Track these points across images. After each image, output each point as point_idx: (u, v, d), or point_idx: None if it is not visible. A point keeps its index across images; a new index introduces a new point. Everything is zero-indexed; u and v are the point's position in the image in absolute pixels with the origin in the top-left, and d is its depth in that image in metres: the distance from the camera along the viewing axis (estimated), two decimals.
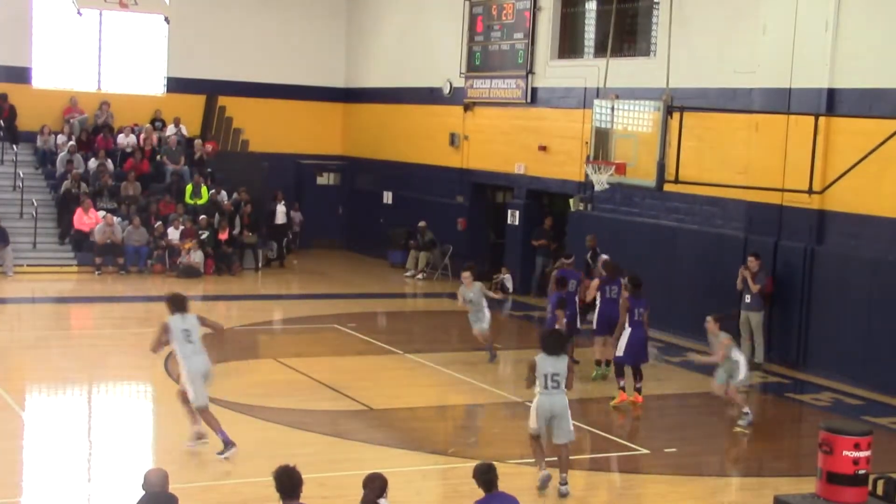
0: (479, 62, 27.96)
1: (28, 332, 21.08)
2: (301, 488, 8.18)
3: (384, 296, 26.17)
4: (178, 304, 13.16)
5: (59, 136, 29.52)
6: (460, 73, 28.41)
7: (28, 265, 25.97)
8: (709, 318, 15.29)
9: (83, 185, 27.86)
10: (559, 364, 12.05)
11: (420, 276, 28.55)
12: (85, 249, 26.68)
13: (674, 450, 14.18)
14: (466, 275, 18.55)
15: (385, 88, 31.97)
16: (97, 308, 23.64)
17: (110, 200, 27.92)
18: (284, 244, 29.84)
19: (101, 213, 27.04)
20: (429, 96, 29.76)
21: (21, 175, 27.97)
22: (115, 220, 26.88)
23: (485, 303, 18.52)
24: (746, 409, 15.17)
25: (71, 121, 29.99)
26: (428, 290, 27.35)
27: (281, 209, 29.97)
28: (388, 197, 31.43)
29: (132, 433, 14.64)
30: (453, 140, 28.72)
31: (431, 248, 28.76)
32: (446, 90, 29.03)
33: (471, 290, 18.51)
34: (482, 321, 18.52)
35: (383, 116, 32.00)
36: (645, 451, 14.17)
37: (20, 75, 29.98)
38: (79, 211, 26.79)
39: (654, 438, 14.81)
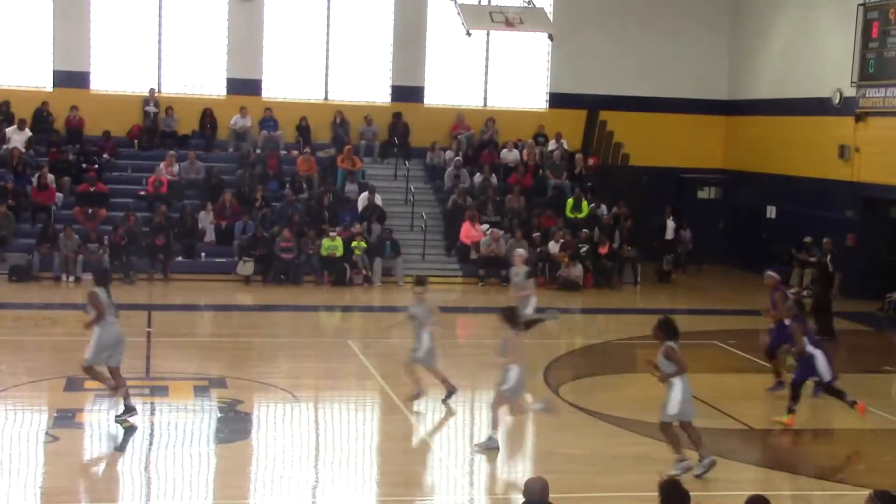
0: (873, 70, 26.56)
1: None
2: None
3: None
4: None
5: (447, 152, 30.76)
6: (851, 81, 27.11)
7: (417, 276, 27.14)
8: None
9: (469, 198, 28.86)
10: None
11: (805, 293, 27.44)
12: (469, 261, 27.61)
13: None
14: (418, 289, 15.91)
15: (770, 100, 31.04)
16: (481, 318, 24.37)
17: (494, 214, 28.77)
18: (672, 260, 29.49)
19: (485, 226, 27.90)
20: (817, 107, 28.59)
21: (412, 189, 29.39)
22: (500, 233, 27.65)
23: (427, 328, 15.45)
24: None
25: (458, 137, 31.19)
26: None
27: (671, 224, 29.65)
28: (771, 211, 30.48)
29: (511, 440, 14.94)
30: (843, 152, 27.44)
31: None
32: (836, 100, 27.80)
33: (419, 305, 15.52)
34: (417, 350, 15.48)
35: (767, 128, 31.08)
36: None
37: (414, 94, 31.55)
38: (465, 224, 27.76)
39: None
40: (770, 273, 17.72)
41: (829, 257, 21.67)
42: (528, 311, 18.21)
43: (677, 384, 12.62)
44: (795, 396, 15.08)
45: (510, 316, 13.61)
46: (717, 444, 14.33)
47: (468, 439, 14.95)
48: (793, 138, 29.76)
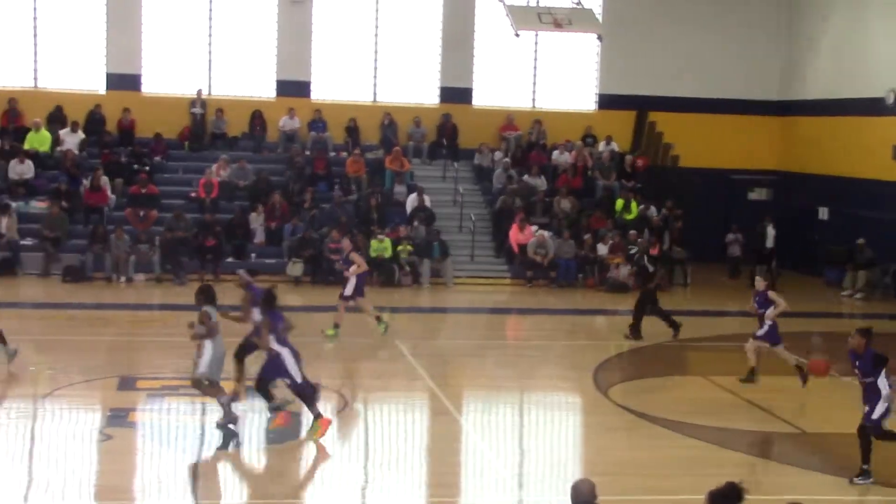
0: None
1: (466, 340, 22.05)
2: None
3: (819, 315, 25.07)
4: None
5: (496, 153, 30.75)
6: None
7: (466, 276, 27.21)
8: None
9: (518, 200, 28.81)
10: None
11: (858, 295, 27.16)
12: (518, 263, 27.56)
13: None
14: None
15: (822, 100, 30.75)
16: (529, 319, 24.35)
17: (543, 215, 28.71)
18: (773, 268, 28.17)
19: (535, 227, 27.85)
20: (870, 107, 28.30)
21: (460, 190, 29.40)
22: (547, 234, 27.59)
23: None
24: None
25: (507, 138, 31.17)
26: (867, 310, 25.95)
27: (771, 232, 28.94)
28: (823, 213, 30.19)
29: (560, 442, 14.92)
30: None
31: (871, 267, 27.28)
32: (889, 100, 27.51)
33: None
34: None
35: (819, 129, 30.79)
36: None
37: (463, 96, 31.57)
38: (514, 226, 27.71)
39: None
40: (240, 272, 16.29)
41: (644, 257, 21.49)
42: None
43: (208, 346, 13.72)
44: (267, 397, 14.15)
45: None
46: (768, 446, 14.23)
47: (518, 441, 14.94)
48: (845, 139, 29.46)
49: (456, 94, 31.55)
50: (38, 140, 28.72)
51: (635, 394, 16.98)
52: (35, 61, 30.13)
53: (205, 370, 13.82)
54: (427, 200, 28.47)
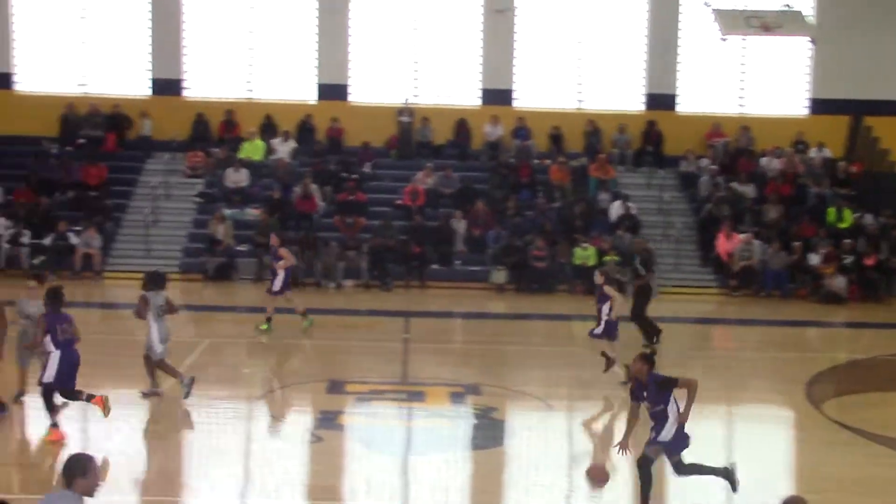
0: None
1: (671, 349, 21.68)
2: None
3: None
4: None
5: (703, 160, 30.18)
6: None
7: (671, 286, 26.79)
8: None
9: (725, 208, 28.20)
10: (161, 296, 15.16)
11: None
12: (724, 272, 26.96)
13: None
14: (32, 284, 14.62)
15: None
16: (736, 330, 23.77)
17: (752, 224, 28.01)
18: None
19: (743, 235, 27.20)
20: None
21: (665, 198, 28.97)
22: (756, 243, 26.91)
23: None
24: None
25: (714, 145, 30.56)
26: None
27: None
28: None
29: (771, 457, 14.51)
30: None
31: None
32: None
33: (34, 303, 14.22)
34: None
35: None
36: None
37: (666, 102, 31.14)
38: (721, 234, 27.15)
39: None
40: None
41: (636, 258, 21.23)
42: None
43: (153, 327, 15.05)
44: (49, 406, 13.21)
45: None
46: None
47: (726, 454, 14.60)
48: None
49: (661, 101, 31.16)
50: (252, 149, 29.81)
51: (851, 409, 16.36)
52: (250, 74, 31.29)
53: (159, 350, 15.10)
54: (633, 208, 28.17)
